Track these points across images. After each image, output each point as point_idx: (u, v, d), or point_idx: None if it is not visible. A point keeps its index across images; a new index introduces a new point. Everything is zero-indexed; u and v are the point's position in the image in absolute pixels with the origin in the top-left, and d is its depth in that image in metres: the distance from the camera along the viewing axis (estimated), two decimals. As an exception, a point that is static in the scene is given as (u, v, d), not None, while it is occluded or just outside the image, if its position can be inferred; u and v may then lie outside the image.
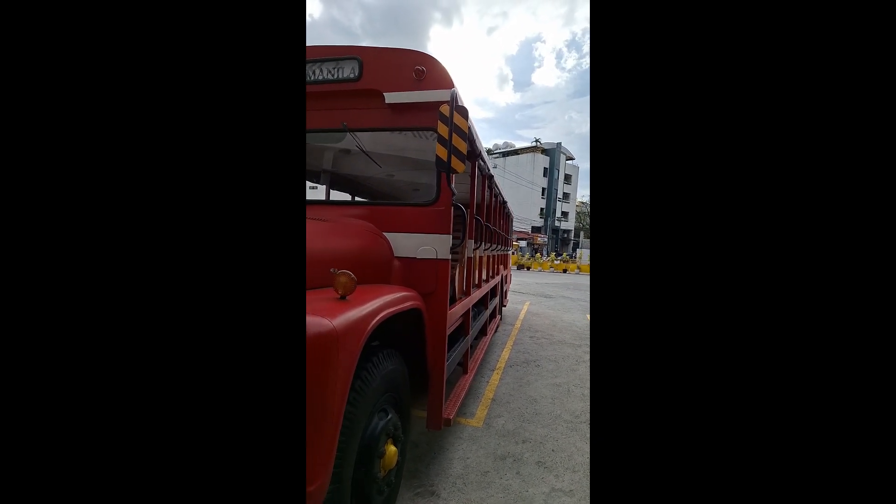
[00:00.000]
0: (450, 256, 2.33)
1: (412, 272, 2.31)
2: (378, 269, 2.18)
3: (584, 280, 18.43)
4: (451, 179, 2.28)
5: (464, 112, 1.99)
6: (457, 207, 2.49)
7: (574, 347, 5.46)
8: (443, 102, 2.22)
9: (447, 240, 2.32)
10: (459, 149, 1.97)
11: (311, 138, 2.56)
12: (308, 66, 2.42)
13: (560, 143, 46.35)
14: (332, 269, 1.52)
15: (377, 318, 1.49)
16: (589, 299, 10.74)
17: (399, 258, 2.34)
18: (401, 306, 1.77)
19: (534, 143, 47.12)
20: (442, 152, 2.00)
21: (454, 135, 1.97)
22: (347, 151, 2.87)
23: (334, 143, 2.62)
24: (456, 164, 1.97)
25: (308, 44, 2.45)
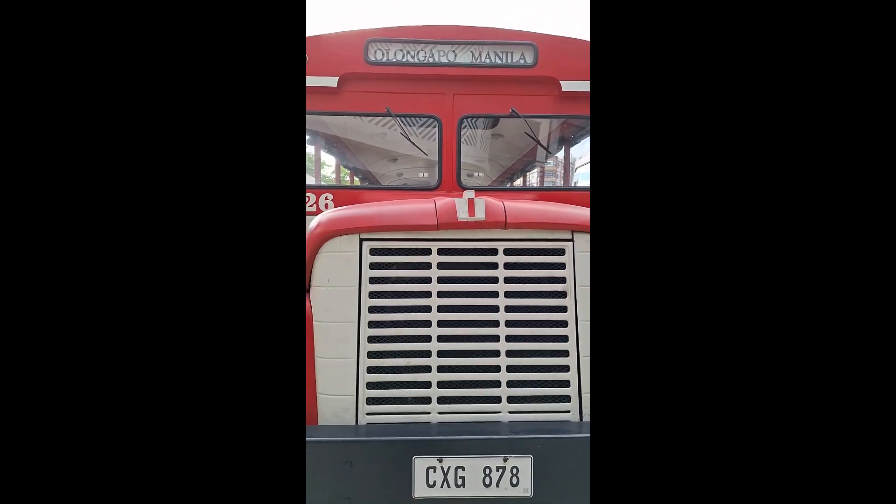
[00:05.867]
0: None
1: None
2: None
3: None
4: None
5: None
6: None
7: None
8: None
9: None
10: None
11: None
12: (472, 47, 2.38)
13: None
14: None
15: None
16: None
17: None
18: None
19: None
20: None
21: None
22: (500, 136, 2.87)
23: (490, 128, 2.60)
24: None
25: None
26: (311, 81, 2.38)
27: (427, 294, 1.36)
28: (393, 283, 1.38)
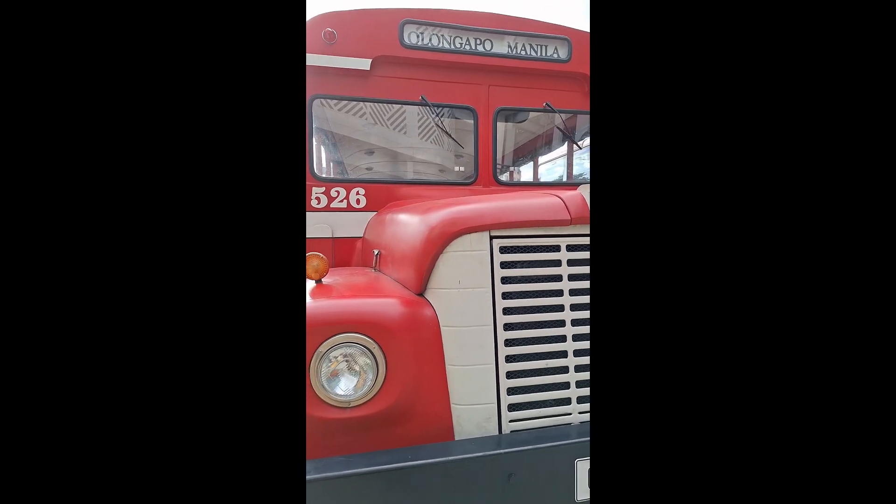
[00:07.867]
0: None
1: None
2: None
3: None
4: None
5: None
6: None
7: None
8: None
9: None
10: None
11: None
12: (509, 38, 2.32)
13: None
14: None
15: None
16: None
17: None
18: None
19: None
20: None
21: None
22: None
23: (518, 122, 2.56)
24: None
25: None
26: (341, 63, 2.18)
27: (559, 293, 1.32)
28: (522, 282, 1.32)
